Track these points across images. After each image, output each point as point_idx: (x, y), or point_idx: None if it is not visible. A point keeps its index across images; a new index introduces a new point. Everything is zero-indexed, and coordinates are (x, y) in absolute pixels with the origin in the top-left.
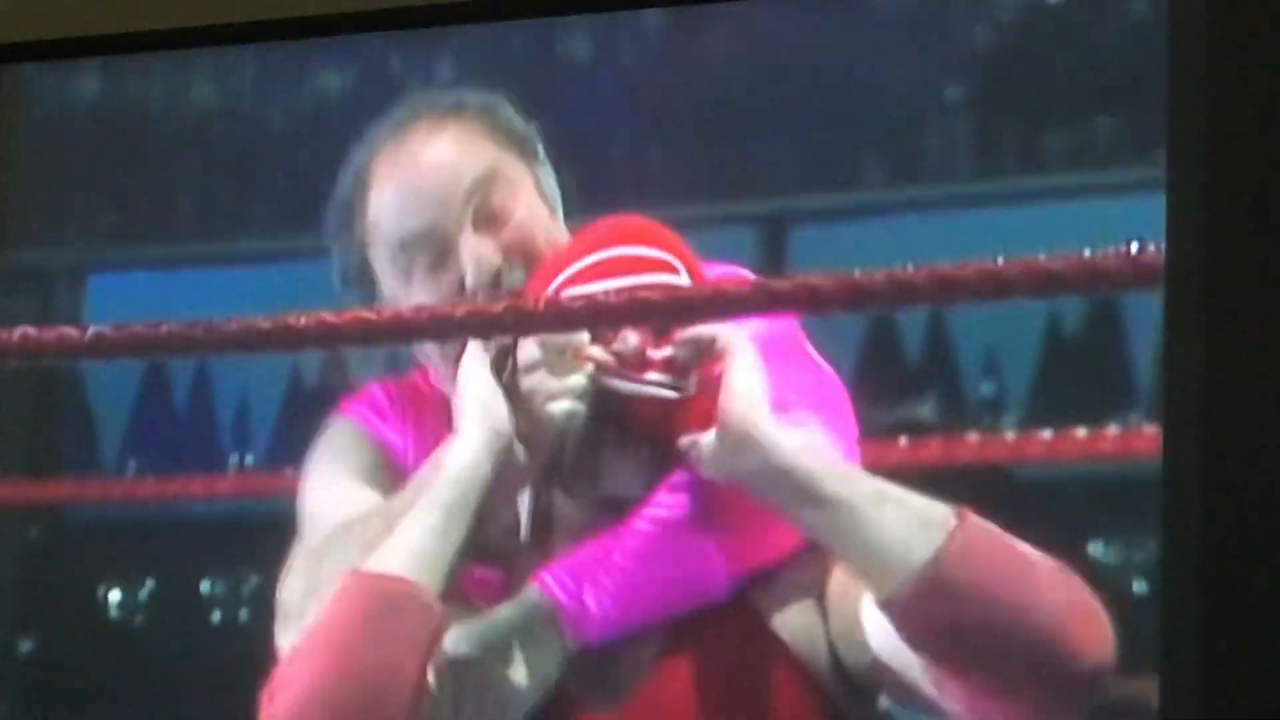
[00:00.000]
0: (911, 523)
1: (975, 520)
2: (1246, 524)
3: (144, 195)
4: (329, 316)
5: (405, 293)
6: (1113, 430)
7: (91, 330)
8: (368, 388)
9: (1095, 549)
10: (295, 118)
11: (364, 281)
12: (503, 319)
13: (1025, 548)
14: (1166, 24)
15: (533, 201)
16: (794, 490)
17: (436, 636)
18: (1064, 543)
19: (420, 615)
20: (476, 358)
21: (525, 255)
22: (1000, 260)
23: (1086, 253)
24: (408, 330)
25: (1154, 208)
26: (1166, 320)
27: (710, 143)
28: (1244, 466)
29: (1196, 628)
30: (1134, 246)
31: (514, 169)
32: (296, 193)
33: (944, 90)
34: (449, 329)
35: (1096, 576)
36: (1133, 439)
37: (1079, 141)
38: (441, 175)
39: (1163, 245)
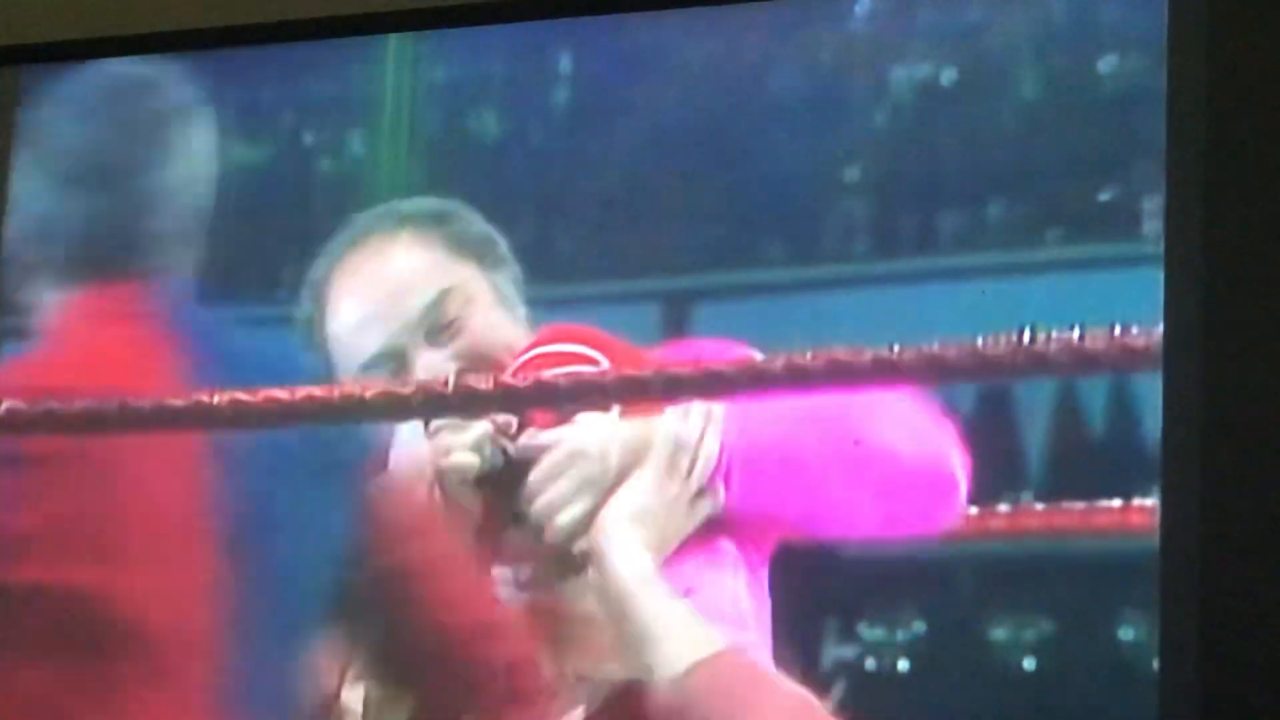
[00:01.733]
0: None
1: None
2: (1245, 598)
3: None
4: (243, 395)
5: None
6: (1004, 509)
7: (4, 406)
8: None
9: (989, 628)
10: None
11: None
12: (410, 401)
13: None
14: (1166, 96)
15: (488, 310)
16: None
17: None
18: (957, 622)
19: None
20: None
21: (480, 364)
22: (896, 348)
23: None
24: (323, 411)
25: (1046, 287)
26: (1166, 398)
27: (615, 222)
28: (1243, 537)
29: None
30: (1027, 333)
31: (469, 280)
32: (212, 268)
33: (842, 172)
34: (364, 411)
35: (990, 654)
36: (1021, 518)
37: (972, 223)
38: (395, 297)
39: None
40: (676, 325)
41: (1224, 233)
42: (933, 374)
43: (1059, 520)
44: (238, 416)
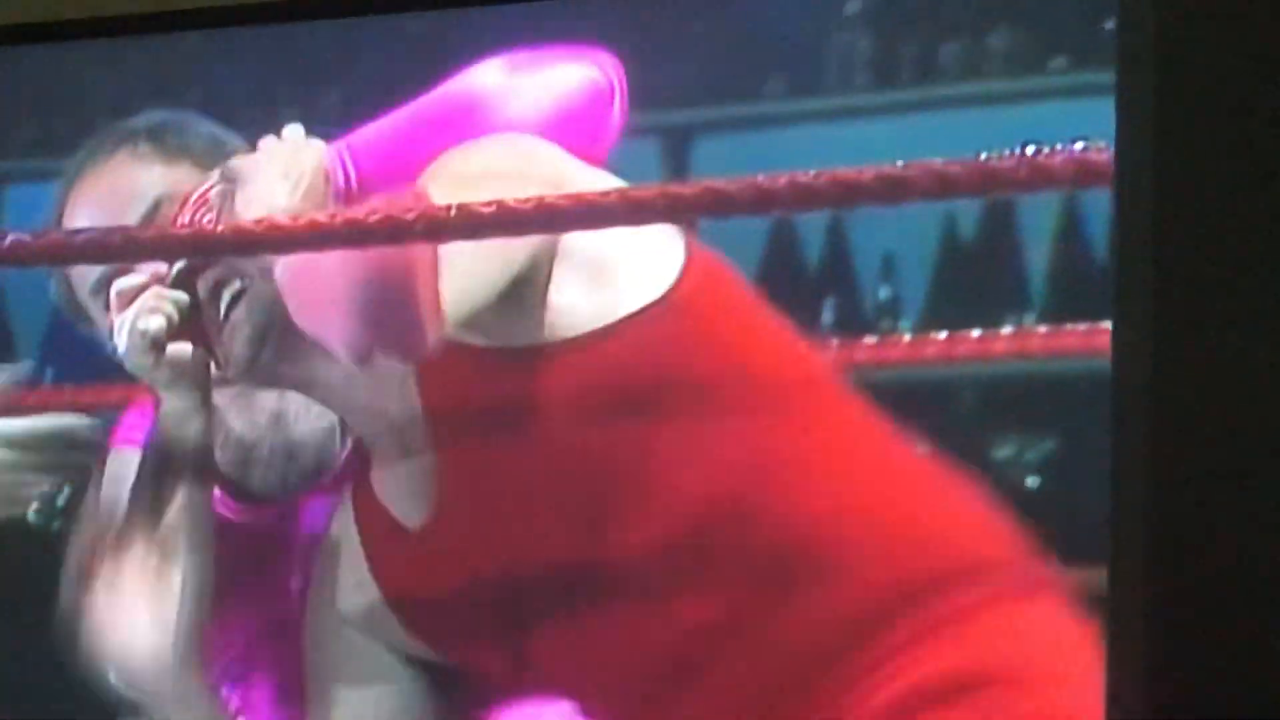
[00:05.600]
0: None
1: None
2: (1195, 422)
3: (62, 108)
4: (246, 223)
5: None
6: (1006, 331)
7: (10, 237)
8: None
9: (992, 448)
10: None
11: (80, 316)
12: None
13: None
14: None
15: None
16: None
17: None
18: (961, 442)
19: None
20: None
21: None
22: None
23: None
24: (323, 236)
25: (1050, 113)
26: (1116, 220)
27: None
28: (1194, 373)
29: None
30: (1029, 149)
31: (183, 183)
32: (214, 106)
33: (844, 3)
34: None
35: (994, 475)
36: (1026, 340)
37: (974, 52)
38: (115, 216)
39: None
40: (677, 158)
41: (1173, 59)
42: (937, 188)
43: (1061, 341)
44: (240, 243)
